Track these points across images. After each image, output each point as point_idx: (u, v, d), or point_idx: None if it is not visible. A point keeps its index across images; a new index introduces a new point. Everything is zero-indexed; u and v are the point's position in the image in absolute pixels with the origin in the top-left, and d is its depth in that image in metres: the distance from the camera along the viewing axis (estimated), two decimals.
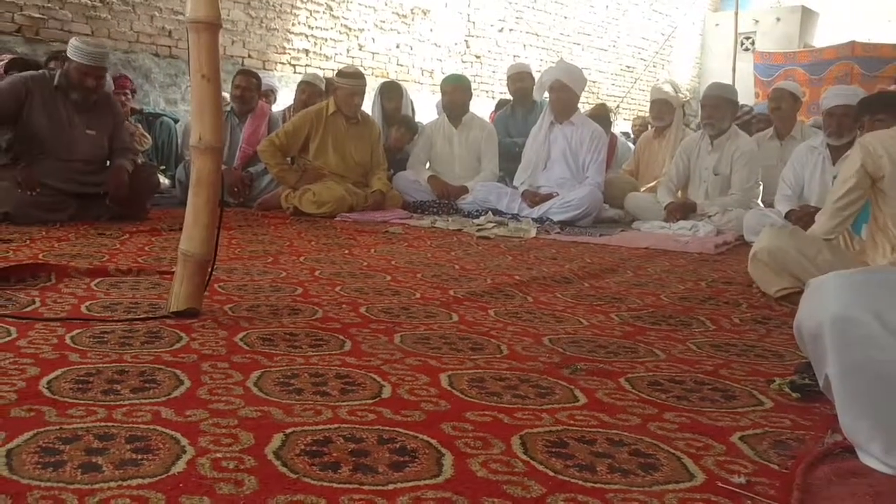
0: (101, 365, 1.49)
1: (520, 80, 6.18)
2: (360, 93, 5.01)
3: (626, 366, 1.69)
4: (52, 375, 1.40)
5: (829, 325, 1.16)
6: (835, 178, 3.69)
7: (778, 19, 14.44)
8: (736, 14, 10.83)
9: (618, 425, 1.31)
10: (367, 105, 5.74)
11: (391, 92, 5.90)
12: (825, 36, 14.11)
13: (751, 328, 2.18)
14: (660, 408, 1.41)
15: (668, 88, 5.92)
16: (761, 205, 4.89)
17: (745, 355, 1.85)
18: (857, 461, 1.16)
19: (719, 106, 4.86)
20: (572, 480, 1.08)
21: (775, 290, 2.57)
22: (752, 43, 14.11)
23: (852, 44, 10.48)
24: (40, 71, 4.14)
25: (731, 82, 7.98)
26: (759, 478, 1.11)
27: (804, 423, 1.36)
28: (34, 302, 2.02)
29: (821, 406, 1.43)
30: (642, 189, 5.61)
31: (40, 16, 6.26)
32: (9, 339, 1.64)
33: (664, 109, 5.75)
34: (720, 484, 1.09)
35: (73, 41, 3.82)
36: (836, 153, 4.16)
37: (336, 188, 4.79)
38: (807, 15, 14.52)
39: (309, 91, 5.79)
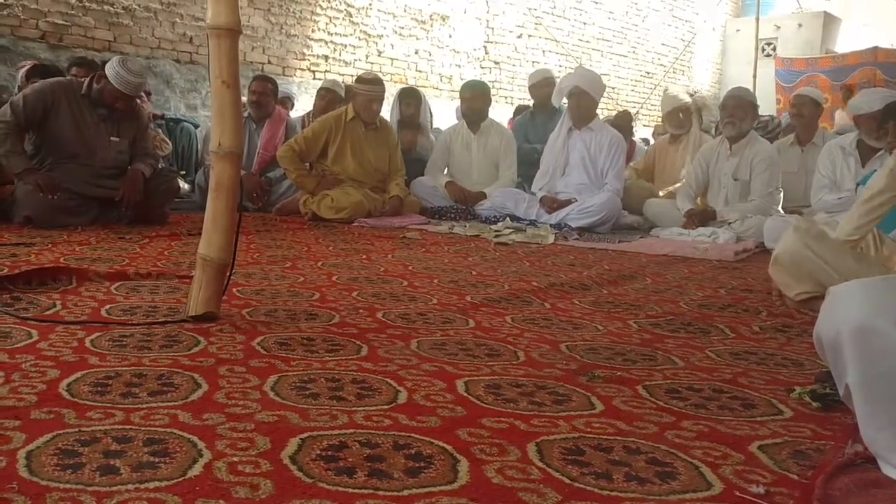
0: (119, 368, 1.50)
1: (546, 85, 6.17)
2: (379, 99, 5.03)
3: (643, 373, 1.68)
4: (71, 378, 1.41)
5: (849, 334, 1.15)
6: (857, 184, 3.67)
7: (800, 25, 14.33)
8: (757, 20, 10.76)
9: (635, 433, 1.30)
10: (386, 111, 5.78)
11: (409, 97, 5.93)
12: (847, 41, 13.99)
13: (771, 336, 2.16)
14: (677, 416, 1.40)
15: (684, 96, 5.87)
16: (782, 211, 4.85)
17: (764, 364, 1.84)
18: (878, 472, 1.14)
19: (741, 106, 4.83)
20: (588, 488, 1.07)
21: (795, 293, 2.54)
22: (774, 49, 14.02)
23: (875, 50, 10.38)
24: (67, 77, 4.20)
25: (752, 88, 7.93)
26: (779, 488, 1.10)
27: (824, 433, 1.34)
28: (55, 305, 2.04)
29: (841, 416, 1.41)
30: (660, 193, 5.58)
31: (64, 22, 6.34)
32: (30, 341, 1.66)
33: (685, 116, 5.68)
34: (738, 494, 1.08)
35: (115, 63, 3.82)
36: (867, 155, 4.14)
37: (354, 193, 4.80)
38: (829, 20, 14.40)
39: (328, 97, 5.83)
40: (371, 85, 4.99)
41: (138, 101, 4.26)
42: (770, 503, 1.05)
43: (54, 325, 1.81)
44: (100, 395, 1.33)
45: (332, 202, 4.74)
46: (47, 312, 1.96)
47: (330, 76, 8.04)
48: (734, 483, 1.11)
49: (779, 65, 11.38)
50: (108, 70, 3.82)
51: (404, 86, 6.93)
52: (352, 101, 5.09)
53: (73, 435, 1.15)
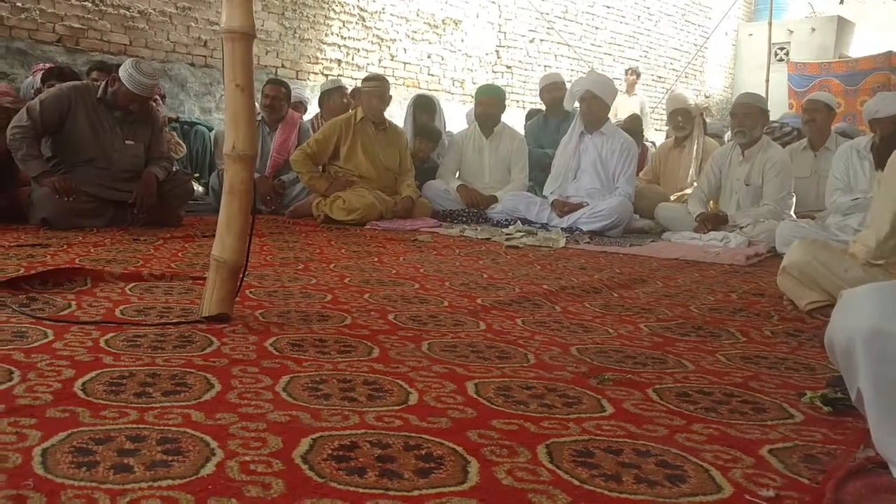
0: (133, 368, 1.52)
1: (555, 89, 6.20)
2: (380, 95, 5.04)
3: (654, 377, 1.68)
4: (86, 377, 1.43)
5: (861, 338, 1.14)
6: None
7: (813, 29, 14.26)
8: (770, 24, 10.70)
9: (645, 436, 1.30)
10: (400, 118, 5.81)
11: (425, 106, 5.94)
12: (861, 46, 13.90)
13: (782, 340, 2.15)
14: (688, 419, 1.40)
15: (687, 99, 5.88)
16: (794, 216, 4.83)
17: (775, 368, 1.83)
18: (889, 477, 1.14)
19: (750, 114, 4.82)
20: (598, 490, 1.07)
21: (805, 303, 2.53)
22: (787, 53, 13.95)
23: (889, 54, 10.30)
24: (83, 82, 4.23)
25: (764, 93, 7.90)
26: (789, 492, 1.10)
27: (835, 438, 1.34)
28: (70, 305, 2.06)
29: (853, 420, 1.40)
30: (671, 198, 5.58)
31: (80, 26, 6.40)
32: (45, 341, 1.68)
33: (685, 119, 5.72)
34: (748, 497, 1.08)
35: (128, 66, 3.85)
36: (883, 158, 4.12)
37: (366, 195, 4.82)
38: (842, 25, 14.32)
39: (336, 96, 5.89)
40: (373, 82, 5.05)
41: (153, 103, 4.28)
42: None
43: (69, 325, 1.83)
44: (114, 395, 1.35)
45: (344, 204, 4.76)
46: (63, 313, 1.98)
47: (343, 80, 8.07)
48: (744, 487, 1.11)
49: (791, 70, 11.32)
50: (122, 73, 3.85)
51: (419, 92, 6.93)
52: (360, 101, 5.15)
53: (88, 433, 1.16)
